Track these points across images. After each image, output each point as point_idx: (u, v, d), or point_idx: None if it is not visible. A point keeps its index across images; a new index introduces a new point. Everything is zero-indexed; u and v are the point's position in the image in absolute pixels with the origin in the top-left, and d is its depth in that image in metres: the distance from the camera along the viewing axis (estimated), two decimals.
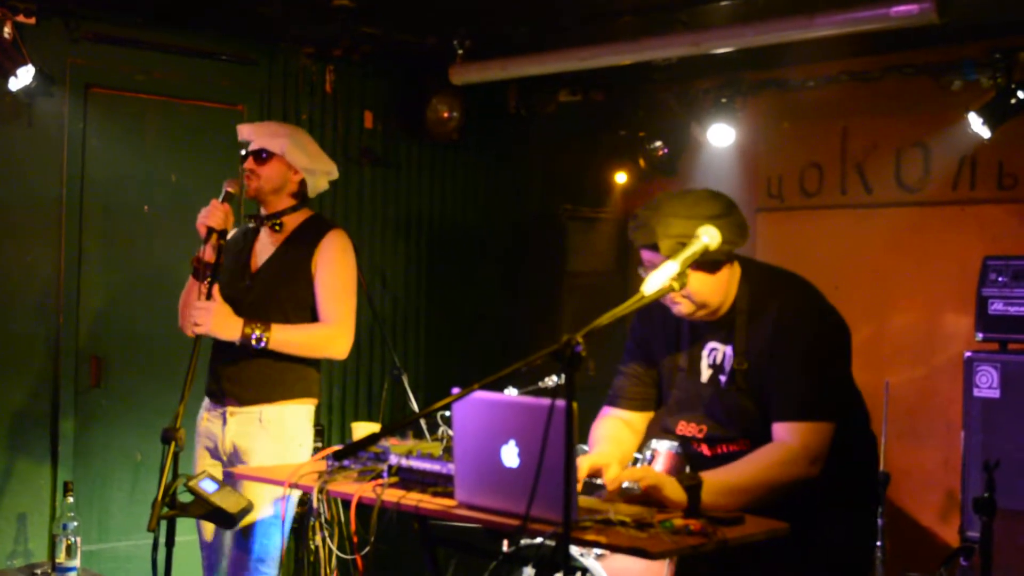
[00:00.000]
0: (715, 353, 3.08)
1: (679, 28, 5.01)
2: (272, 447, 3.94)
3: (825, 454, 2.90)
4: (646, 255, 3.00)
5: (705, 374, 3.10)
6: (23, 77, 4.80)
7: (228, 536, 3.99)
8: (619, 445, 3.23)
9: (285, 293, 4.00)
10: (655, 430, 3.43)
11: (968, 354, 4.90)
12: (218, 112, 5.67)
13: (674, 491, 2.82)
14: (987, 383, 4.81)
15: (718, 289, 3.02)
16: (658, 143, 6.22)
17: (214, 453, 4.07)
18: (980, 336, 4.92)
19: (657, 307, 3.09)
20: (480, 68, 5.69)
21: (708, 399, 3.07)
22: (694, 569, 3.18)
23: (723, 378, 3.05)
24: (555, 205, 6.61)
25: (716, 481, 2.84)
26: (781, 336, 2.96)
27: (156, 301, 5.44)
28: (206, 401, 4.13)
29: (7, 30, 4.75)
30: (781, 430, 2.93)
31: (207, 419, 4.09)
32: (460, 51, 5.65)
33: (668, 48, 5.11)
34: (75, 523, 4.13)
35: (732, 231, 2.94)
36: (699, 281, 2.96)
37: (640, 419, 3.31)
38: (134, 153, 5.38)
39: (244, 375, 3.97)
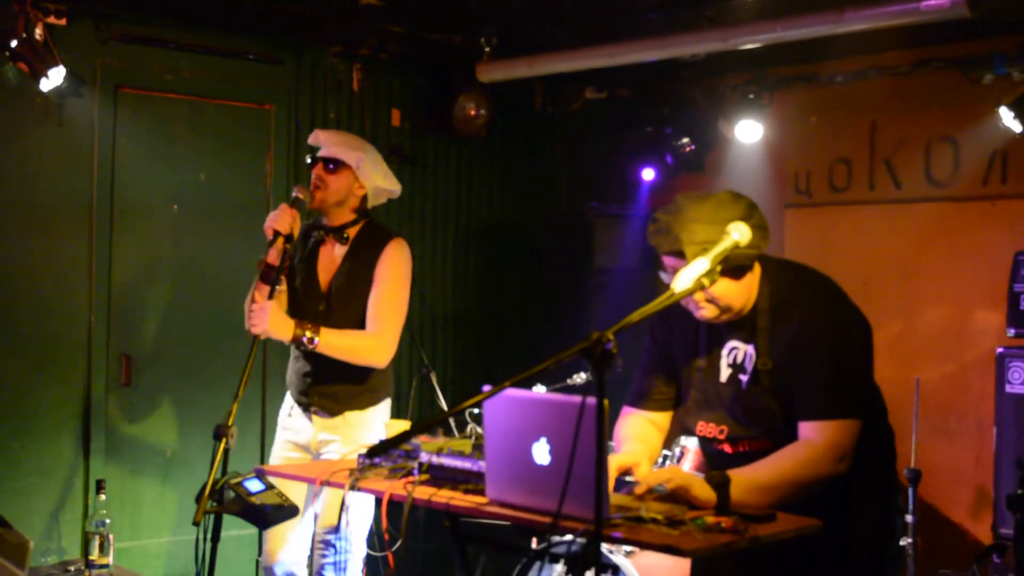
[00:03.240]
0: (735, 352, 3.07)
1: (706, 24, 4.99)
2: (356, 437, 4.13)
3: (852, 451, 2.90)
4: (669, 261, 2.99)
5: (724, 373, 3.09)
6: (54, 78, 4.83)
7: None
8: (647, 443, 3.23)
9: (357, 310, 4.12)
10: (679, 427, 3.42)
11: (1000, 350, 4.87)
12: (246, 111, 5.70)
13: (702, 490, 2.81)
14: (1019, 379, 4.77)
15: (742, 293, 3.01)
16: (685, 139, 6.20)
17: (299, 446, 4.26)
18: (1012, 332, 4.88)
19: (675, 306, 3.06)
20: (507, 66, 5.70)
21: (729, 399, 3.06)
22: (713, 564, 3.16)
23: (743, 377, 3.03)
24: (582, 202, 6.60)
25: (744, 479, 2.84)
26: (805, 336, 2.95)
27: (186, 299, 5.48)
28: (290, 400, 4.30)
29: (38, 31, 4.79)
30: (807, 429, 2.92)
31: (291, 415, 4.29)
32: (487, 49, 5.66)
33: (696, 44, 5.09)
34: (107, 520, 4.16)
35: (755, 234, 2.92)
36: (724, 287, 2.95)
37: (664, 418, 3.32)
38: (163, 153, 5.41)
39: (333, 391, 4.15)
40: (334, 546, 4.09)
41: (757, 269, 3.05)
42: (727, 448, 3.08)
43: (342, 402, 4.15)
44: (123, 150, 5.27)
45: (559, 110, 6.61)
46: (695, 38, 5.05)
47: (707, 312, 3.01)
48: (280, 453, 4.28)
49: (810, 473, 2.87)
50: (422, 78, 6.22)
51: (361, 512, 4.12)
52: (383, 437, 4.19)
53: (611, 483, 3.05)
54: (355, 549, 4.12)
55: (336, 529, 4.05)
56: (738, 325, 3.06)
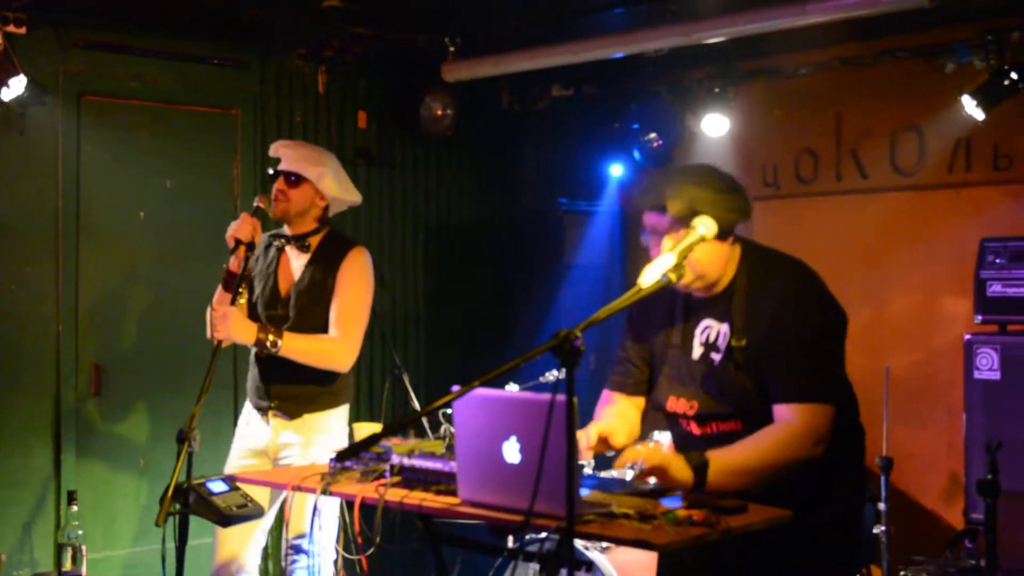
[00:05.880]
0: (708, 331, 3.08)
1: (670, 19, 5.01)
2: (315, 441, 4.17)
3: (828, 435, 2.91)
4: (651, 218, 3.03)
5: (697, 352, 3.10)
6: (15, 87, 4.80)
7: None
8: (625, 420, 3.25)
9: (318, 316, 4.16)
10: (651, 423, 3.43)
11: (968, 337, 4.90)
12: (212, 116, 5.67)
13: (680, 472, 2.82)
14: (987, 365, 4.81)
15: (718, 261, 3.03)
16: (652, 135, 6.22)
17: (257, 452, 4.25)
18: (979, 318, 4.92)
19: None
20: (472, 65, 5.69)
21: (701, 376, 3.07)
22: (678, 556, 3.16)
23: (715, 356, 3.05)
24: (550, 199, 6.61)
25: (721, 461, 2.85)
26: (783, 316, 2.96)
27: (155, 307, 5.45)
28: (248, 407, 4.31)
29: None
30: (784, 411, 2.93)
31: (249, 423, 4.29)
32: (452, 48, 5.65)
33: (659, 39, 5.10)
34: (80, 531, 4.15)
35: (739, 202, 3.00)
36: (702, 249, 2.97)
37: (643, 401, 3.35)
38: (129, 160, 5.37)
39: (293, 393, 4.17)
40: (305, 551, 4.09)
41: (737, 249, 3.08)
42: (695, 429, 3.09)
43: (302, 403, 4.17)
44: (88, 158, 5.23)
45: (526, 108, 6.61)
46: (658, 33, 5.06)
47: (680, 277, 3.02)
48: (236, 462, 4.27)
49: (787, 455, 2.88)
50: (388, 79, 6.21)
51: (329, 516, 4.12)
52: (342, 441, 4.22)
53: (591, 450, 3.08)
54: (325, 553, 4.11)
55: (306, 535, 4.05)
56: (713, 303, 3.08)
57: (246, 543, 4.19)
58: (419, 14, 5.32)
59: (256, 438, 4.25)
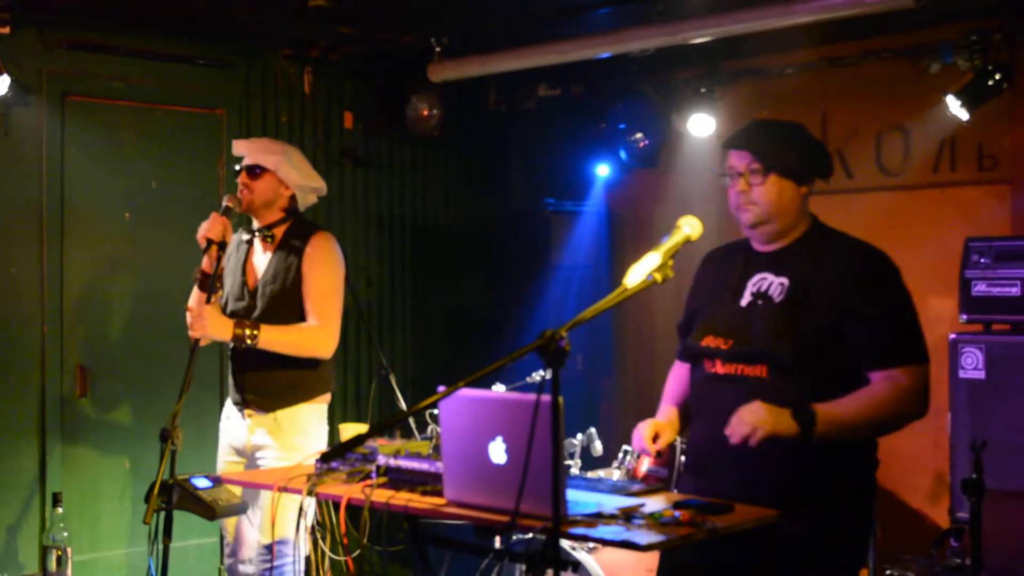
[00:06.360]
0: (762, 282, 3.13)
1: (656, 19, 5.01)
2: (290, 443, 4.15)
3: (929, 398, 3.01)
4: (732, 158, 3.12)
5: (746, 299, 3.14)
6: None
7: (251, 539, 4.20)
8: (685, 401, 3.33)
9: (285, 305, 4.17)
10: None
11: (952, 336, 4.91)
12: (197, 117, 5.65)
13: (789, 427, 2.85)
14: (972, 364, 4.82)
15: (790, 207, 3.10)
16: (639, 135, 6.21)
17: (237, 451, 4.29)
18: (964, 318, 4.93)
19: (721, 254, 3.31)
20: (458, 65, 5.69)
21: (743, 318, 3.10)
22: (680, 556, 3.17)
23: (762, 303, 3.09)
24: (537, 199, 6.61)
25: (828, 414, 2.88)
26: (871, 280, 3.02)
27: (141, 308, 5.43)
28: (229, 403, 4.35)
29: None
30: (890, 374, 2.98)
31: (229, 418, 4.33)
32: (438, 48, 5.65)
33: (646, 39, 5.11)
34: (65, 533, 4.13)
35: (819, 158, 3.14)
36: (772, 184, 3.06)
37: None
38: (113, 160, 5.35)
39: (265, 384, 4.17)
40: (277, 552, 4.07)
41: (808, 217, 3.17)
42: (719, 367, 3.10)
43: (274, 397, 4.16)
44: (72, 159, 5.21)
45: (513, 108, 6.61)
46: (645, 33, 5.07)
47: (749, 215, 3.10)
48: (222, 457, 4.33)
49: (895, 412, 2.98)
50: (374, 79, 6.20)
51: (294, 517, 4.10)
52: (318, 442, 4.21)
53: (650, 441, 3.16)
54: (300, 554, 4.09)
55: (286, 538, 4.03)
56: (772, 258, 3.14)
57: (249, 536, 4.22)
58: (406, 14, 5.31)
59: (235, 436, 4.28)
